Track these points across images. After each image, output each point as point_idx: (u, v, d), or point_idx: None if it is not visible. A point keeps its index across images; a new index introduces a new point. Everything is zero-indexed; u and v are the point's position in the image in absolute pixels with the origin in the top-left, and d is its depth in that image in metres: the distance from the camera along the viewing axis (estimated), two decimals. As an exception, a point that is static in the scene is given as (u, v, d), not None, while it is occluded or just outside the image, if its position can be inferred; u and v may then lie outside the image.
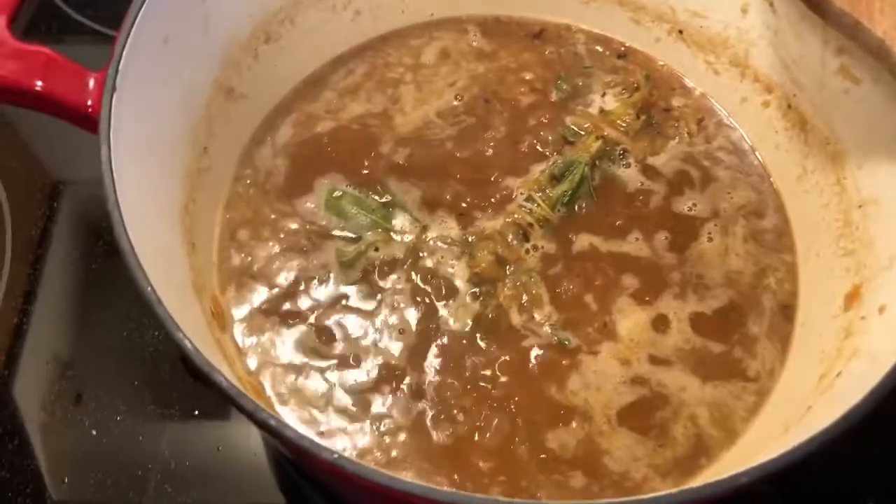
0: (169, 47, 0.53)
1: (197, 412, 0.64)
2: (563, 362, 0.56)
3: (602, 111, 0.67)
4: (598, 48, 0.71)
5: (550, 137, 0.66)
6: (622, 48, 0.71)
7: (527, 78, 0.69)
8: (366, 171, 0.64)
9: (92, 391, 0.64)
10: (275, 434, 0.38)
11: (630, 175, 0.64)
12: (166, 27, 0.52)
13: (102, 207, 0.74)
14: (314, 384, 0.56)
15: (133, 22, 0.48)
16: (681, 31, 0.68)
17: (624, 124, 0.66)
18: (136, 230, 0.44)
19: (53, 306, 0.69)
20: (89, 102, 0.46)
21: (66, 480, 0.61)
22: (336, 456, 0.37)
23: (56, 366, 0.65)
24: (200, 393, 0.65)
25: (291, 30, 0.64)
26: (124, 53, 0.47)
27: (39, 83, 0.46)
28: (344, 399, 0.55)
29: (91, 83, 0.47)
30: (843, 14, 0.49)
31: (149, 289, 0.41)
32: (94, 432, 0.62)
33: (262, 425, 0.38)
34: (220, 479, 0.61)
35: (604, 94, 0.69)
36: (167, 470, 0.61)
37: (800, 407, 0.48)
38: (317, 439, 0.51)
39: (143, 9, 0.49)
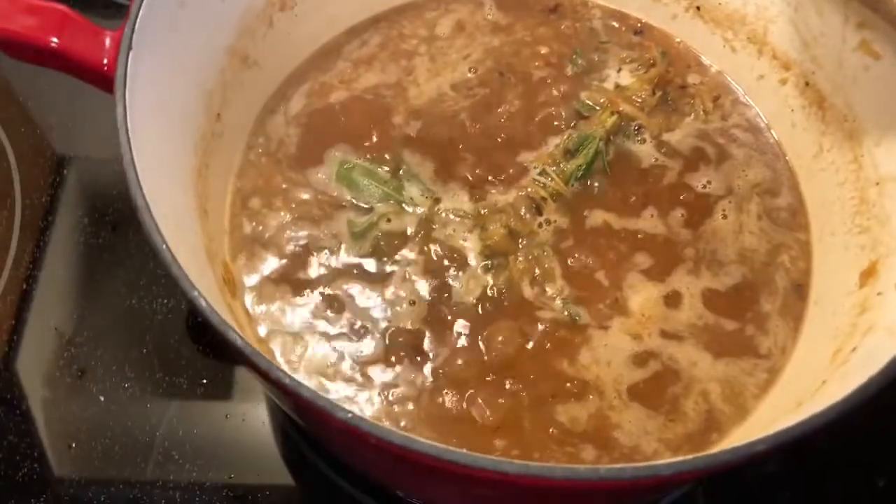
0: (185, 11, 0.52)
1: (205, 381, 0.64)
2: (575, 337, 0.56)
3: (617, 87, 0.67)
4: (615, 24, 0.71)
5: (564, 112, 0.65)
6: (639, 24, 0.70)
7: (542, 52, 0.69)
8: (378, 142, 0.63)
9: (100, 359, 0.64)
10: (290, 393, 0.38)
11: (645, 151, 0.64)
12: (182, -12, 0.51)
13: (109, 179, 0.76)
14: (323, 353, 0.56)
15: (150, -19, 0.48)
16: (698, 8, 0.67)
17: (639, 100, 0.66)
18: (150, 190, 0.44)
19: (58, 277, 0.69)
20: (105, 61, 0.46)
21: (73, 446, 0.61)
22: (350, 415, 0.37)
23: (59, 334, 0.65)
24: (208, 362, 0.65)
25: (307, -2, 0.64)
26: (140, 13, 0.47)
27: (55, 40, 0.46)
28: (353, 368, 0.55)
29: (107, 42, 0.47)
30: (867, -15, 0.49)
31: (164, 247, 0.40)
32: (101, 398, 0.62)
33: (277, 384, 0.38)
34: (228, 447, 0.61)
35: (619, 70, 0.68)
36: (174, 437, 0.61)
37: (813, 382, 0.48)
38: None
39: (160, -32, 0.48)
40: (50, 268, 0.69)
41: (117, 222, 0.71)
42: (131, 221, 0.70)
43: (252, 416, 0.63)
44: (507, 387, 0.54)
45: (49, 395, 0.63)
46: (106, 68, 0.46)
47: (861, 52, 0.56)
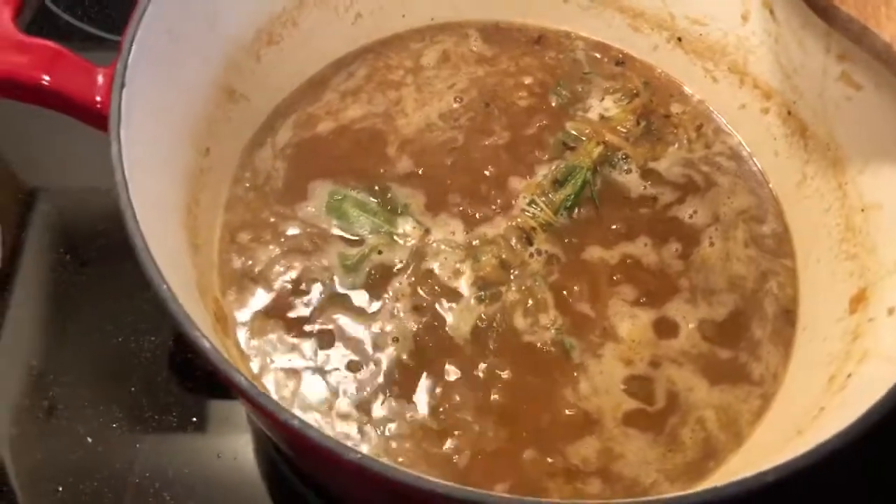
0: (175, 45, 0.52)
1: (195, 419, 0.62)
2: (570, 366, 0.56)
3: (602, 117, 0.67)
4: (597, 55, 0.71)
5: (551, 142, 0.66)
6: (620, 55, 0.71)
7: (526, 82, 0.69)
8: (367, 172, 0.63)
9: (72, 396, 0.63)
10: (297, 435, 0.37)
11: (631, 180, 0.65)
12: (173, 24, 0.51)
13: (79, 214, 0.74)
14: (317, 389, 0.55)
15: (141, 16, 0.47)
16: (679, 39, 0.68)
17: (624, 130, 0.66)
18: (146, 228, 0.43)
19: (28, 312, 0.67)
20: (98, 98, 0.45)
21: (60, 489, 0.59)
22: (360, 456, 0.37)
23: (30, 369, 0.64)
24: (197, 400, 0.64)
25: (293, 31, 0.64)
26: (133, 49, 0.46)
27: (47, 77, 0.45)
28: (347, 404, 0.55)
29: (100, 78, 0.46)
30: (851, 20, 0.50)
31: (164, 287, 0.40)
32: (89, 440, 0.61)
33: (285, 427, 0.37)
34: (220, 487, 0.60)
35: (602, 100, 0.69)
36: (165, 478, 0.60)
37: (810, 409, 0.49)
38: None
39: (151, 3, 0.48)
40: (19, 303, 0.67)
41: (87, 258, 0.70)
42: (101, 255, 0.69)
43: (245, 454, 0.62)
44: (506, 420, 0.54)
45: (17, 431, 0.62)
46: (99, 105, 0.45)
47: (842, 82, 0.57)
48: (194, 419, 0.63)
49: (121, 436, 0.61)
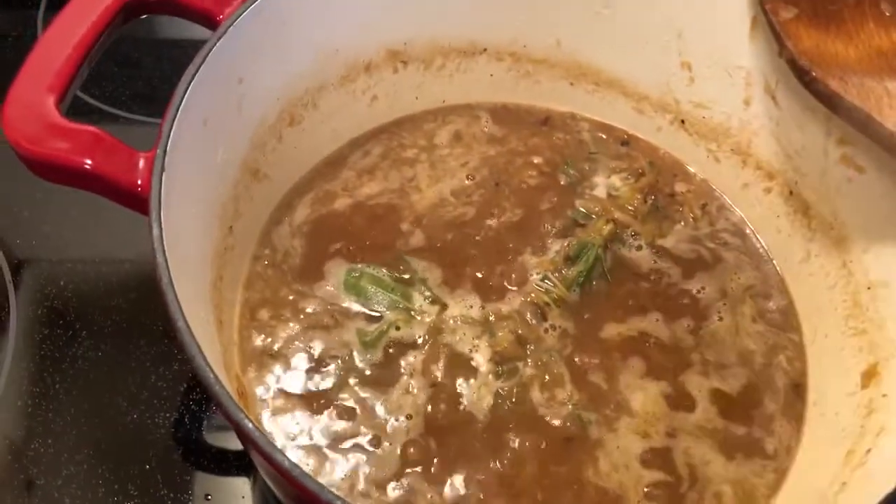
0: (207, 129, 0.53)
1: (209, 497, 0.62)
2: (589, 443, 0.57)
3: (610, 195, 0.70)
4: (602, 135, 0.74)
5: (561, 219, 0.68)
6: (625, 136, 0.74)
7: (535, 161, 0.72)
8: (384, 248, 0.65)
9: (57, 472, 0.62)
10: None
11: (641, 256, 0.66)
12: (207, 109, 0.52)
13: (65, 288, 0.73)
14: (338, 466, 0.55)
15: (179, 104, 0.49)
16: (683, 121, 0.71)
17: (632, 208, 0.69)
18: (184, 308, 0.44)
19: (14, 385, 0.67)
20: (139, 182, 0.47)
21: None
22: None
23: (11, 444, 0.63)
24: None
25: (314, 113, 0.66)
26: (171, 135, 0.48)
27: (89, 162, 0.46)
28: (367, 482, 0.55)
29: (141, 163, 0.47)
30: (855, 108, 0.53)
31: (208, 369, 0.40)
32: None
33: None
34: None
35: (609, 178, 0.71)
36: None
37: (832, 483, 0.50)
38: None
39: (189, 89, 0.50)
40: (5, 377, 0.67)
41: (73, 330, 0.70)
42: (86, 326, 0.69)
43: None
44: (525, 498, 0.54)
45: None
46: (140, 189, 0.47)
47: (843, 165, 0.60)
48: (208, 497, 0.62)
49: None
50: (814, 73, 0.55)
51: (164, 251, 0.43)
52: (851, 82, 0.53)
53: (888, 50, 0.55)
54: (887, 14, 0.56)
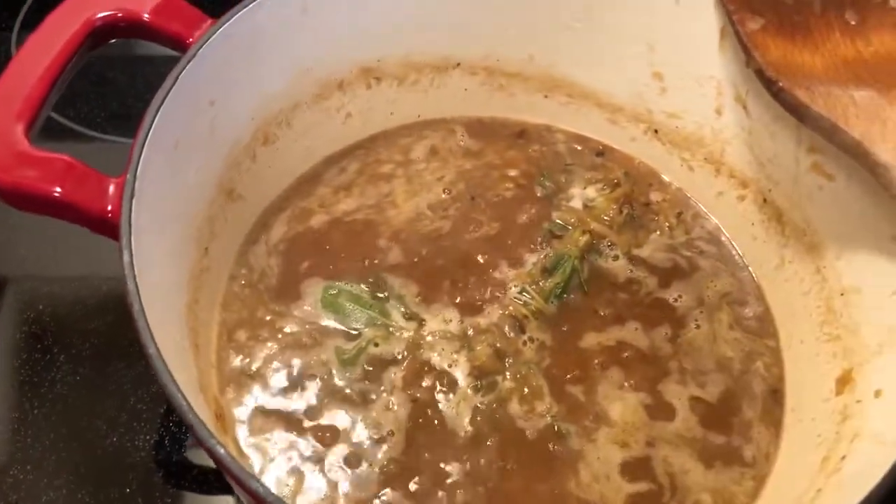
0: (179, 151, 0.53)
1: (191, 519, 0.62)
2: (569, 455, 0.57)
3: (586, 206, 0.70)
4: (577, 146, 0.74)
5: (538, 231, 0.68)
6: (600, 147, 0.74)
7: (511, 174, 0.72)
8: (361, 265, 0.65)
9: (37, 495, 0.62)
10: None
11: (617, 266, 0.67)
12: (178, 132, 0.52)
13: (43, 311, 0.73)
14: (317, 486, 0.55)
15: (150, 127, 0.49)
16: (656, 131, 0.71)
17: (608, 218, 0.69)
18: (157, 335, 0.44)
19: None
20: (109, 208, 0.46)
21: None
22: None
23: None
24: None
25: (288, 132, 0.66)
26: (141, 159, 0.48)
27: (58, 190, 0.46)
28: (348, 503, 0.55)
29: (111, 189, 0.47)
30: (821, 118, 0.53)
31: (180, 396, 0.40)
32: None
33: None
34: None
35: (585, 189, 0.71)
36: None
37: (807, 490, 0.50)
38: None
39: (158, 114, 0.50)
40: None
41: (51, 353, 0.69)
42: (64, 350, 0.69)
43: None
44: (508, 511, 0.54)
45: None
46: (110, 215, 0.46)
47: (814, 172, 0.60)
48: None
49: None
50: (781, 84, 0.55)
51: (134, 277, 0.43)
52: (818, 92, 0.54)
53: (854, 59, 0.56)
54: (853, 23, 0.57)
